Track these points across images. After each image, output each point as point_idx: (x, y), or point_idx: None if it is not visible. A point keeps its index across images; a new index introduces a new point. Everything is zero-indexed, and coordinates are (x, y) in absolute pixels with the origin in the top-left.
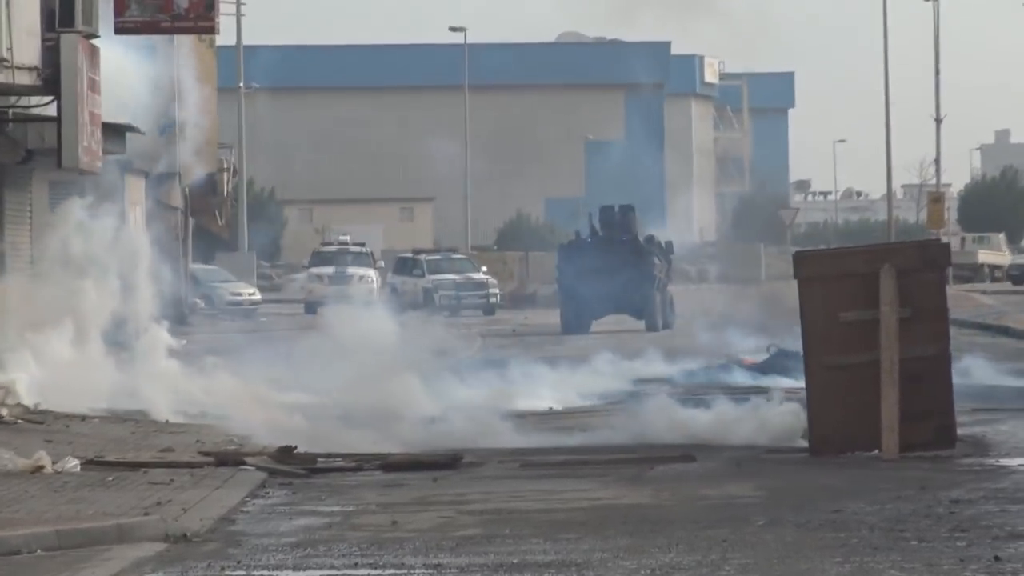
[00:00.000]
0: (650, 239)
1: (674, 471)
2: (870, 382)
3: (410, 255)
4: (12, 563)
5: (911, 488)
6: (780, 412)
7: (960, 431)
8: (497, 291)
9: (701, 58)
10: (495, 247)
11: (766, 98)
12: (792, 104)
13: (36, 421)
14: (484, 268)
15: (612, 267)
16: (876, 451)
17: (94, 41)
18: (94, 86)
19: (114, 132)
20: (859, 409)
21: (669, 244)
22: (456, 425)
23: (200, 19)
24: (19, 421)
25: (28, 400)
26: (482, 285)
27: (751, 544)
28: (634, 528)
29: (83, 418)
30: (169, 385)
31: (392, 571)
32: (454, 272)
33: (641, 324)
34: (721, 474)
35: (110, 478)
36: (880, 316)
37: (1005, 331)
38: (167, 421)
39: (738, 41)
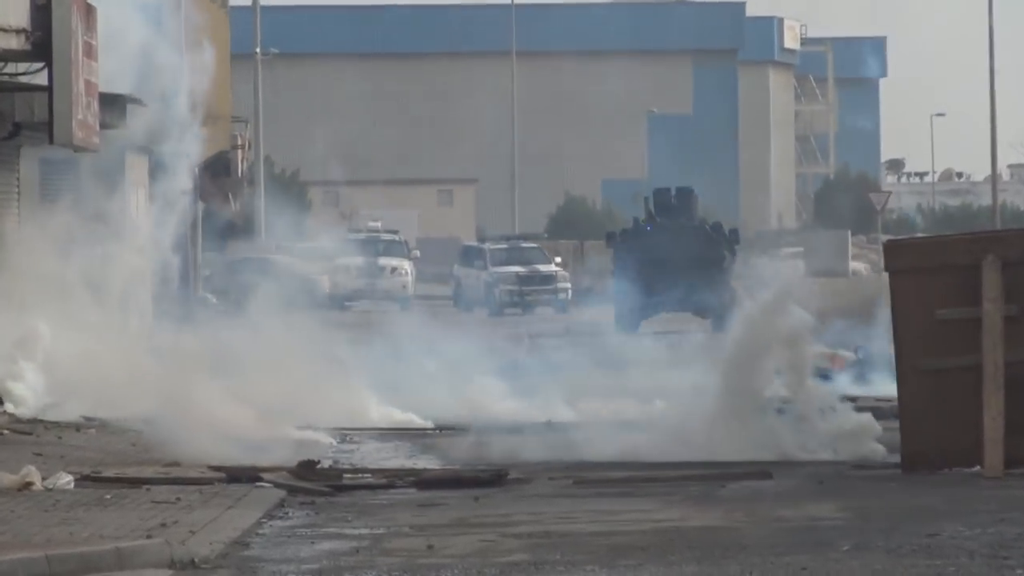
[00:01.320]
0: (717, 227)
1: (748, 489)
2: (971, 389)
3: (475, 243)
4: None
5: (1017, 510)
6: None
7: None
8: (568, 285)
9: (780, 20)
10: (546, 235)
11: (854, 66)
12: (884, 73)
13: (24, 432)
14: (558, 259)
15: (675, 259)
16: (977, 467)
17: (90, 0)
18: (90, 51)
19: (113, 104)
20: (958, 419)
21: (734, 232)
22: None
23: None
24: (5, 432)
25: (26, 407)
26: (550, 279)
27: (835, 572)
28: (702, 554)
29: (77, 428)
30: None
31: None
32: (520, 263)
33: (706, 323)
34: (801, 493)
35: (108, 496)
36: (983, 314)
37: None
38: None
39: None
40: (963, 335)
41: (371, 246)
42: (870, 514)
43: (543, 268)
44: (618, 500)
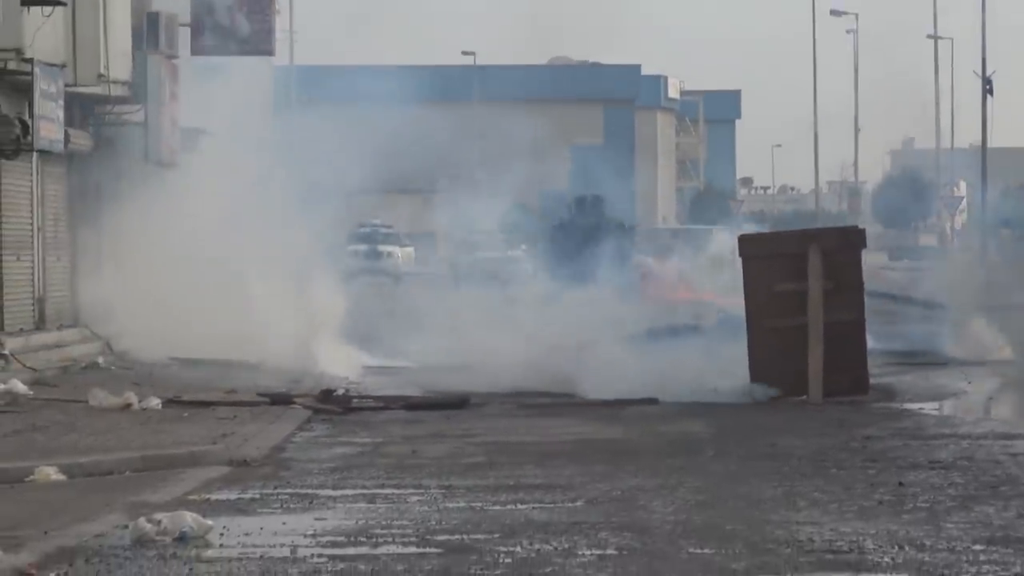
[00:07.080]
0: (620, 223)
1: (641, 412)
2: (800, 341)
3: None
4: (107, 481)
5: (832, 427)
6: None
7: (872, 381)
8: (528, 265)
9: (665, 78)
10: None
11: (718, 111)
12: (739, 116)
13: (126, 367)
14: (524, 247)
15: (590, 246)
16: (804, 397)
17: (174, 60)
18: (174, 97)
19: (191, 134)
20: (791, 363)
21: (631, 228)
22: None
23: (260, 43)
24: (113, 367)
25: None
26: (516, 260)
27: (702, 471)
28: (608, 457)
29: (164, 365)
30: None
31: (412, 490)
32: (490, 250)
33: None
34: (678, 414)
35: (185, 414)
36: (808, 288)
37: (908, 300)
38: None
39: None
40: (794, 303)
41: (373, 236)
42: (728, 430)
43: (511, 253)
44: (548, 419)
